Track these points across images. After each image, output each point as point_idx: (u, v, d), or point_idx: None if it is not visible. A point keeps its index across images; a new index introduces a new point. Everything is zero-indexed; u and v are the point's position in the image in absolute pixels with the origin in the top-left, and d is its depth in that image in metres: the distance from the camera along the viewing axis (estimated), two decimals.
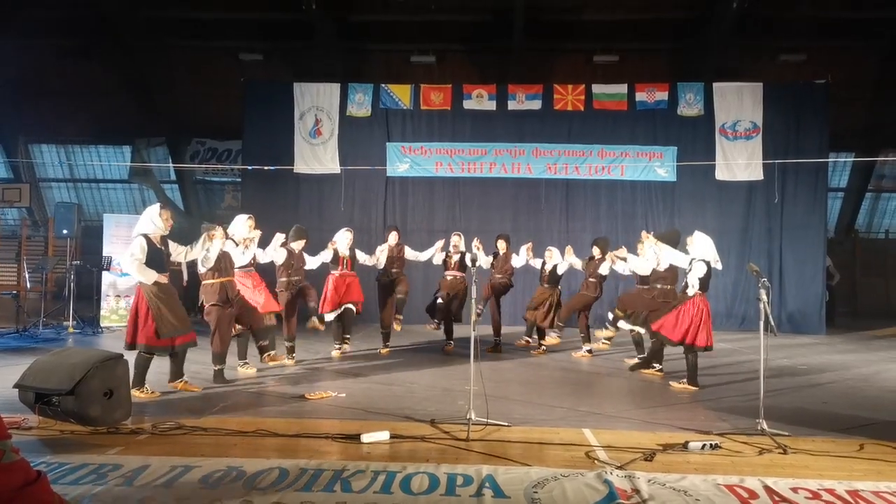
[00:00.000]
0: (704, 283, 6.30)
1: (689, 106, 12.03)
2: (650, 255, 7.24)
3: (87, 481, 3.49)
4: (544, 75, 13.66)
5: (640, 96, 12.05)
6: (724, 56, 13.70)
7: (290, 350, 7.47)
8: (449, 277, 8.46)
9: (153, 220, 5.77)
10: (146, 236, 5.73)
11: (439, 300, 8.38)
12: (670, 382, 6.56)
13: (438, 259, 8.66)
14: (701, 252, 6.35)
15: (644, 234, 7.51)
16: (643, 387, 6.59)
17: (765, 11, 12.93)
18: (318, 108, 12.35)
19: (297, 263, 7.59)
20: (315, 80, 12.74)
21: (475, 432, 4.47)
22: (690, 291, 6.30)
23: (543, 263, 8.60)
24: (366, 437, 4.28)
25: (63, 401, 4.40)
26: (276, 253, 7.37)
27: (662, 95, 12.04)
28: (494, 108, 12.17)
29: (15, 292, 11.53)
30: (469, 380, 4.78)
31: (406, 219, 12.24)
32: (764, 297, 4.79)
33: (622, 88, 12.11)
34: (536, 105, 12.13)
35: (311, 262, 7.90)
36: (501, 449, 4.17)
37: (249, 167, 12.27)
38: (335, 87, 12.40)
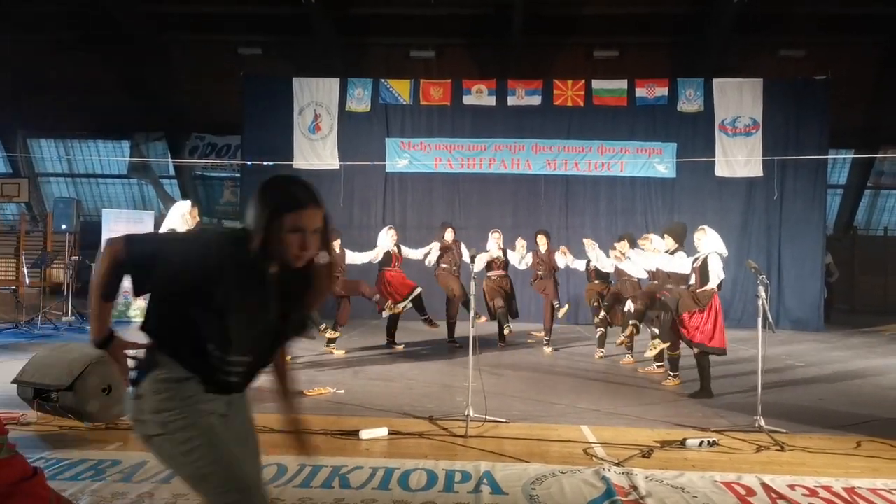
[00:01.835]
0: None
1: (689, 102, 12.02)
2: (640, 263, 7.03)
3: (85, 477, 3.49)
4: (544, 70, 13.64)
5: (640, 92, 12.04)
6: (724, 51, 13.69)
7: (332, 341, 7.87)
8: (494, 277, 8.39)
9: (184, 217, 6.01)
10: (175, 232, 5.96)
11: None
12: (663, 382, 6.45)
13: (480, 265, 8.22)
14: (715, 245, 6.04)
15: (644, 240, 7.20)
16: (641, 384, 6.60)
17: (765, 7, 12.92)
18: (317, 103, 12.32)
19: (340, 261, 7.81)
20: (314, 74, 12.71)
21: (473, 429, 4.47)
22: (713, 285, 5.90)
23: (588, 262, 8.29)
24: (364, 434, 4.29)
25: (62, 396, 4.39)
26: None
27: (662, 91, 12.03)
28: (494, 104, 12.15)
29: (13, 287, 11.52)
30: (468, 376, 4.79)
31: (405, 215, 12.23)
32: (762, 294, 4.78)
33: (622, 84, 12.10)
34: (536, 100, 12.11)
35: (357, 258, 8.07)
36: (499, 445, 4.18)
37: (248, 162, 12.25)
38: (334, 83, 12.38)
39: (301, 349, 7.87)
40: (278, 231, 1.78)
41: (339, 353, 7.84)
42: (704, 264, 6.01)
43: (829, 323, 12.09)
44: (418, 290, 8.19)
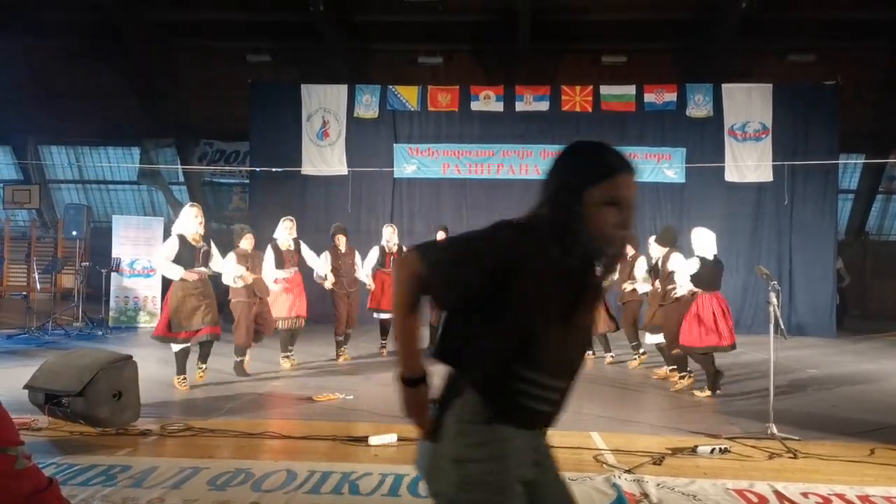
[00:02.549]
0: (707, 280, 5.95)
1: (698, 107, 11.98)
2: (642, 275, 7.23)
3: (96, 482, 3.50)
4: (552, 76, 13.64)
5: (649, 97, 12.01)
6: (732, 56, 13.64)
7: (340, 344, 7.83)
8: None
9: (185, 218, 6.07)
10: (180, 235, 5.99)
11: None
12: (694, 391, 6.20)
13: None
14: (699, 248, 6.05)
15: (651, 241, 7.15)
16: (652, 390, 6.56)
17: (773, 11, 12.86)
18: (325, 109, 12.37)
19: (346, 263, 7.68)
20: (322, 81, 12.76)
21: None
22: (679, 291, 6.06)
23: None
24: (374, 440, 4.28)
25: (72, 402, 4.42)
26: (319, 261, 7.46)
27: (671, 96, 12.00)
28: (502, 110, 12.15)
29: (24, 293, 11.60)
30: None
31: (413, 220, 12.24)
32: (774, 300, 4.75)
33: (630, 89, 12.08)
34: (544, 106, 12.11)
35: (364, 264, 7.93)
36: None
37: (257, 168, 12.31)
38: (342, 89, 12.43)
39: (309, 355, 7.87)
40: (586, 207, 1.45)
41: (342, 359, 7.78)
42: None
43: (840, 328, 11.98)
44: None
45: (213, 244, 6.25)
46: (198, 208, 6.21)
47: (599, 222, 1.45)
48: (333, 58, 14.20)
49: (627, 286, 7.55)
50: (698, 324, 5.86)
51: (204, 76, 15.36)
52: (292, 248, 7.25)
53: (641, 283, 7.36)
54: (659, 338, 6.83)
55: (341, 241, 7.76)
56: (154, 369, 6.54)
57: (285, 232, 7.22)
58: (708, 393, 6.04)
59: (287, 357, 7.27)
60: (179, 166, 16.75)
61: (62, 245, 12.60)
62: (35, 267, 12.03)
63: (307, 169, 12.26)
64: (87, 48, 14.76)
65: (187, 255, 5.97)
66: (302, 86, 12.56)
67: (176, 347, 5.96)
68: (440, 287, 1.52)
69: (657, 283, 6.77)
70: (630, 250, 7.59)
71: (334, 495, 3.39)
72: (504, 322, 1.48)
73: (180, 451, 4.10)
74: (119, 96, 15.64)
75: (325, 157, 12.32)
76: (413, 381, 1.55)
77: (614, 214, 1.45)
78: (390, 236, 8.13)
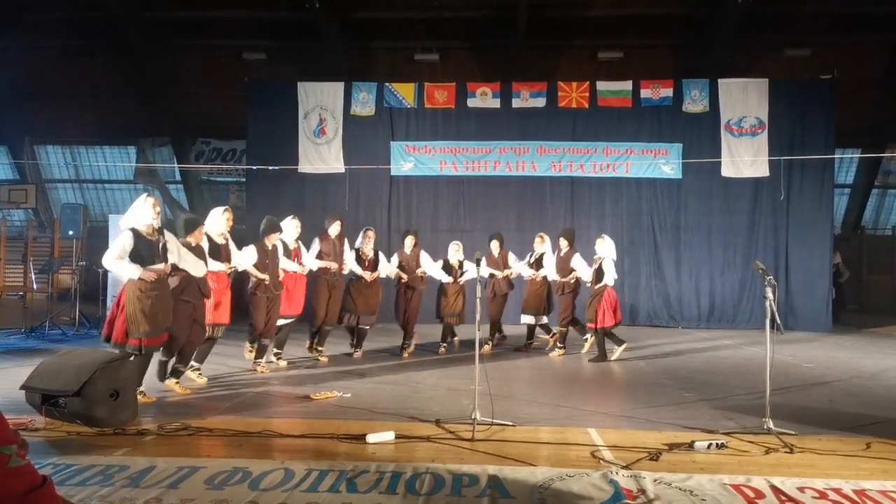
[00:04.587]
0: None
1: (695, 102, 11.99)
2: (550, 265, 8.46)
3: (93, 482, 3.49)
4: (548, 72, 13.63)
5: (645, 93, 12.01)
6: (729, 52, 13.65)
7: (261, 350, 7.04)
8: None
9: (142, 210, 5.31)
10: (133, 230, 5.25)
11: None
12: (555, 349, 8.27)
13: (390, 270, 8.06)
14: (609, 252, 7.84)
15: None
16: (648, 386, 6.57)
17: (770, 7, 12.87)
18: (322, 107, 12.35)
19: (272, 262, 6.83)
20: (319, 79, 12.74)
21: (480, 432, 4.46)
22: (610, 283, 7.79)
23: (462, 263, 8.42)
24: (371, 438, 4.28)
25: (69, 402, 4.41)
26: (244, 253, 6.62)
27: (667, 92, 12.01)
28: (499, 106, 12.15)
29: (21, 293, 11.58)
30: (474, 379, 4.78)
31: (411, 218, 12.23)
32: (770, 295, 4.76)
33: (627, 85, 12.08)
34: (541, 102, 12.10)
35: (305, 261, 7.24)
36: (506, 449, 4.17)
37: (254, 167, 12.29)
38: (339, 87, 12.41)
39: (306, 353, 7.86)
40: None
41: (262, 368, 6.91)
42: (600, 267, 7.85)
43: (837, 323, 12.01)
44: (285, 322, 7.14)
45: (168, 236, 5.46)
46: (154, 199, 5.43)
47: None
48: (330, 55, 14.17)
49: (506, 273, 8.51)
50: (604, 310, 7.71)
51: (200, 74, 15.34)
52: (225, 242, 6.37)
53: (525, 271, 8.53)
54: (530, 318, 8.49)
55: (272, 239, 6.82)
56: (151, 369, 6.52)
57: (223, 222, 6.36)
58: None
59: (196, 370, 6.28)
60: (176, 165, 16.73)
61: (59, 244, 12.59)
62: (32, 267, 12.01)
63: (304, 167, 12.25)
64: (84, 47, 14.73)
65: (145, 250, 5.23)
66: (298, 83, 12.53)
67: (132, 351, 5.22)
68: None
69: (556, 274, 8.25)
70: (497, 247, 8.55)
71: (332, 493, 3.39)
72: None
73: (178, 451, 4.09)
74: (115, 95, 15.62)
75: (322, 155, 12.30)
76: None
77: None
78: (294, 230, 7.20)
